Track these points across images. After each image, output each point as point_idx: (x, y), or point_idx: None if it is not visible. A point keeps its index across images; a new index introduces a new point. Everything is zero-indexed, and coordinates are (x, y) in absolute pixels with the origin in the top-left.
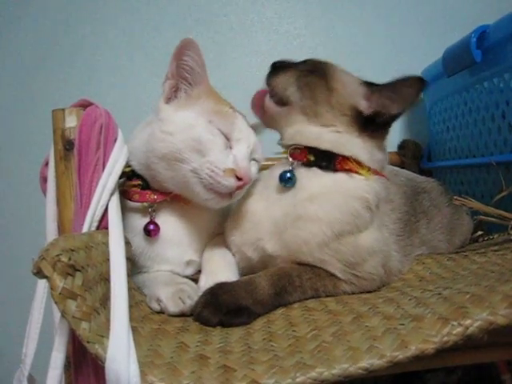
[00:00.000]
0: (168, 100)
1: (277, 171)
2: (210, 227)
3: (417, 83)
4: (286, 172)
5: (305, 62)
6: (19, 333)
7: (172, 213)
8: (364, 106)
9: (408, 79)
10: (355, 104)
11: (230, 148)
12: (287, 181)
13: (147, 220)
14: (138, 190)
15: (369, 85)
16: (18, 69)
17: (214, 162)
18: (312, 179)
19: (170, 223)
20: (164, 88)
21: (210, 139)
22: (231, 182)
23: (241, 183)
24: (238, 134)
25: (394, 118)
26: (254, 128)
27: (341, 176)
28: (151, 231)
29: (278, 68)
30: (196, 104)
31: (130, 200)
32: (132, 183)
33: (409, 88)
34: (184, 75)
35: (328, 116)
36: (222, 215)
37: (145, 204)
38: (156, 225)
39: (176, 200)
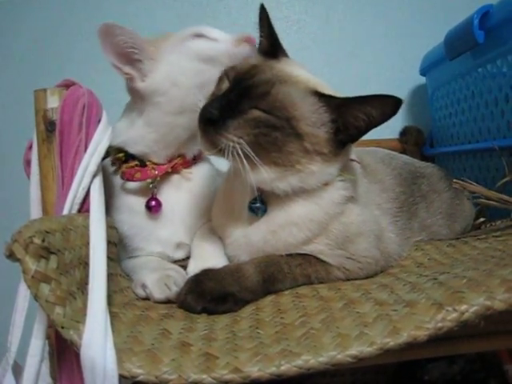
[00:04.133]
0: (141, 77)
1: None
2: (202, 205)
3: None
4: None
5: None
6: (4, 322)
7: (168, 189)
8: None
9: (383, 97)
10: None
11: (216, 39)
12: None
13: (146, 198)
14: (138, 168)
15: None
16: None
17: (226, 49)
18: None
19: (164, 198)
20: (126, 74)
21: (207, 45)
22: (244, 46)
23: (251, 43)
24: (209, 28)
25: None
26: None
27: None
28: (153, 207)
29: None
30: (165, 52)
31: (132, 180)
32: (130, 164)
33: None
34: (129, 52)
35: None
36: (212, 193)
37: (148, 181)
38: (158, 201)
39: (176, 171)
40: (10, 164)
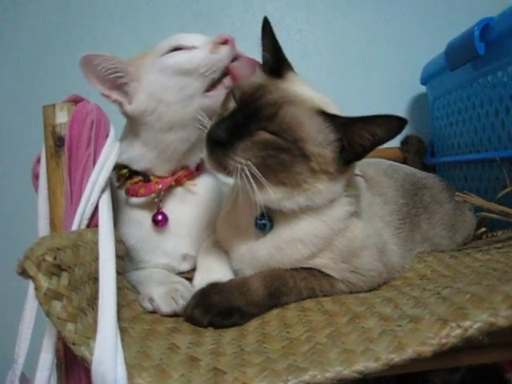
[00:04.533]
0: (129, 101)
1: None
2: (207, 216)
3: (398, 122)
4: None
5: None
6: (12, 333)
7: (172, 201)
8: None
9: (388, 117)
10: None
11: (194, 47)
12: (264, 228)
13: (152, 212)
14: (142, 183)
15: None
16: (13, 65)
17: (202, 58)
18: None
19: (169, 211)
20: (115, 101)
21: (182, 56)
22: (223, 50)
23: (229, 43)
24: (186, 36)
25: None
26: None
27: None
28: (159, 222)
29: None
30: (143, 71)
31: (136, 196)
32: (134, 180)
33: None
34: (113, 78)
35: (309, 181)
36: (217, 204)
37: (152, 195)
38: (164, 215)
39: (180, 183)
40: (16, 176)
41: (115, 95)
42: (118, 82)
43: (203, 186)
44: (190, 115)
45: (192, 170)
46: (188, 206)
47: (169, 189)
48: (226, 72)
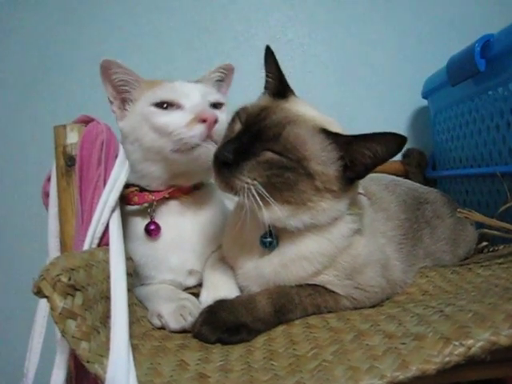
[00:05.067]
0: (121, 117)
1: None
2: (210, 230)
3: (398, 140)
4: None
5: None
6: (22, 348)
7: (171, 215)
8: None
9: (388, 134)
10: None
11: (182, 107)
12: (269, 246)
13: (147, 222)
14: (136, 192)
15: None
16: (19, 85)
17: (176, 129)
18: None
19: (170, 225)
20: (113, 111)
21: (161, 119)
22: (196, 129)
23: (206, 123)
24: (182, 90)
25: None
26: (201, 80)
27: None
28: (152, 231)
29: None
30: (139, 101)
31: (129, 204)
32: (129, 189)
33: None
34: (122, 90)
35: (314, 199)
36: (219, 218)
37: (145, 205)
38: (156, 224)
39: (175, 196)
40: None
41: (115, 105)
42: (122, 95)
43: (205, 201)
44: (163, 157)
45: (186, 187)
46: (189, 221)
47: (167, 203)
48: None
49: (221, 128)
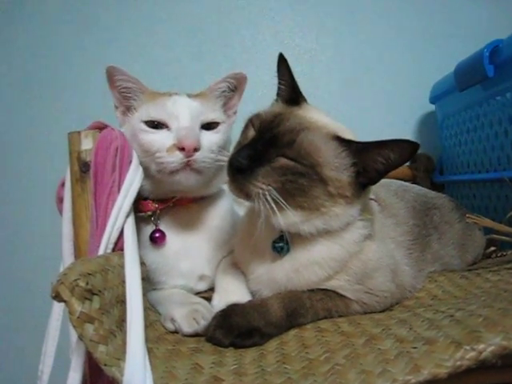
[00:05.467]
0: (122, 124)
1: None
2: (219, 236)
3: (411, 147)
4: (278, 242)
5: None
6: (35, 354)
7: (178, 221)
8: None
9: (401, 141)
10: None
11: (169, 128)
12: (281, 251)
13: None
14: (142, 201)
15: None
16: (33, 92)
17: (158, 151)
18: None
19: (177, 231)
20: (117, 116)
21: (147, 138)
22: (175, 156)
23: (184, 152)
24: (172, 110)
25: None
26: (204, 92)
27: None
28: (157, 238)
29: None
30: (138, 112)
31: (135, 212)
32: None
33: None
34: (126, 96)
35: (327, 204)
36: (228, 224)
37: (148, 213)
38: (161, 232)
39: (180, 205)
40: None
41: (119, 111)
42: (126, 103)
43: (213, 206)
44: (150, 174)
45: (190, 198)
46: (196, 227)
47: (173, 209)
48: None
49: (212, 150)
